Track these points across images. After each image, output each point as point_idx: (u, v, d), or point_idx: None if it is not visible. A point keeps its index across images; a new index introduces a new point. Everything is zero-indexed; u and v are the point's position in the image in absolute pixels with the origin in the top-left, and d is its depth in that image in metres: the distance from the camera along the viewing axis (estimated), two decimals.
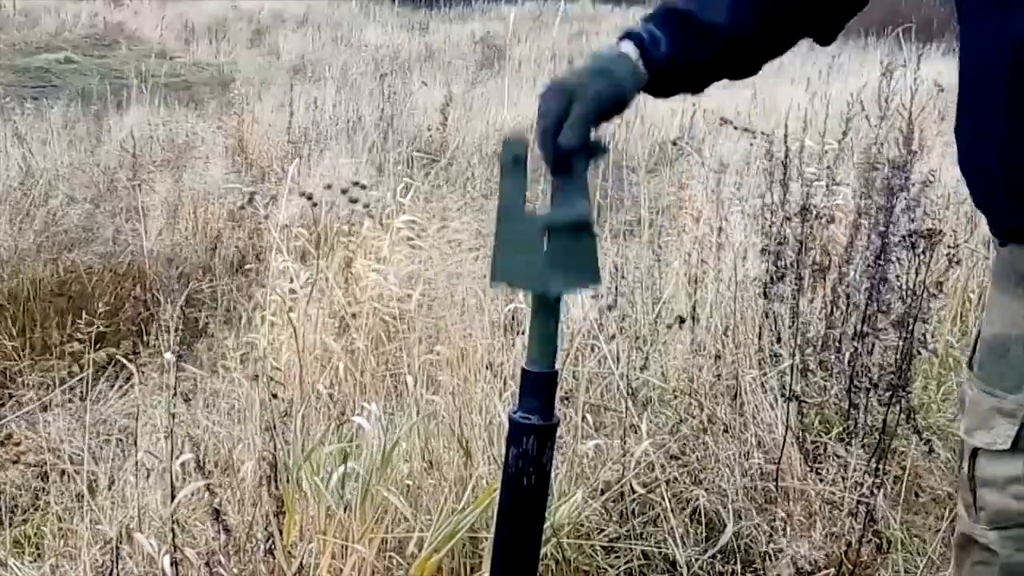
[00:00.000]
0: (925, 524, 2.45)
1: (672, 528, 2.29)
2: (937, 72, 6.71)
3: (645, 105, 7.35)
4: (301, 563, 1.97)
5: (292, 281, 2.90)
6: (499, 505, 1.46)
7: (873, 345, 2.54)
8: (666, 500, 2.34)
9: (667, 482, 2.39)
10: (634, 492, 2.36)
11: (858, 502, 2.24)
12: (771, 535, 2.28)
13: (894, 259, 2.44)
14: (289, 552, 1.96)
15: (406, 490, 2.17)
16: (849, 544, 2.23)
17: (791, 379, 2.49)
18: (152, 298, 3.88)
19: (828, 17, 1.32)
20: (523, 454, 1.41)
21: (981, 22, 1.19)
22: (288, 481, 1.98)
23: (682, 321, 2.84)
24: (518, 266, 1.37)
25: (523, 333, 2.64)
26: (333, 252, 3.21)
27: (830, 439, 2.47)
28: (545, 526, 1.66)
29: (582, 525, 2.27)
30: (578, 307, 2.82)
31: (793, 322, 2.67)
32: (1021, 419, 1.20)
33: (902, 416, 2.42)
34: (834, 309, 2.76)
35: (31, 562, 2.30)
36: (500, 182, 1.37)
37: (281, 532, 1.96)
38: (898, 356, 2.44)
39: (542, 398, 1.43)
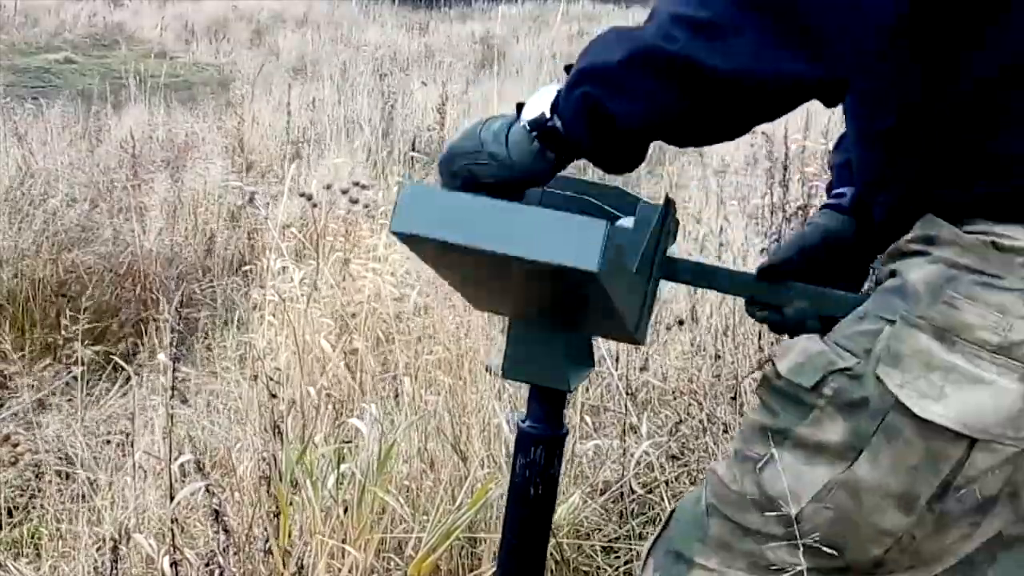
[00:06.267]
0: None
1: None
2: None
3: None
4: (300, 564, 1.96)
5: (291, 280, 2.89)
6: (506, 514, 1.45)
7: None
8: (666, 500, 2.33)
9: (667, 482, 2.38)
10: (633, 492, 2.35)
11: None
12: None
13: None
14: (287, 552, 1.96)
15: (404, 491, 2.17)
16: None
17: None
18: (152, 298, 3.88)
19: None
20: (531, 464, 1.39)
21: None
22: (283, 481, 1.97)
23: (681, 323, 2.84)
24: (535, 361, 1.34)
25: None
26: (330, 252, 3.21)
27: None
28: None
29: (581, 525, 2.26)
30: None
31: None
32: None
33: None
34: None
35: (29, 563, 2.29)
36: None
37: (278, 533, 1.95)
38: None
39: (551, 408, 1.41)
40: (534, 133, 1.18)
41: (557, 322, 1.33)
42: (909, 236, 1.18)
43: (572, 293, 1.20)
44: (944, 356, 1.11)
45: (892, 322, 1.14)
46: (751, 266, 2.97)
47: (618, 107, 1.11)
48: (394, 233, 1.16)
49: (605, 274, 1.10)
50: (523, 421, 1.41)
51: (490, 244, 1.12)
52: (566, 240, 1.09)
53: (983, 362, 1.10)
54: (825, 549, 1.18)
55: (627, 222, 1.28)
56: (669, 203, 1.31)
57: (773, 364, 1.21)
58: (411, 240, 1.17)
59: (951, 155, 1.15)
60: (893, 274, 1.19)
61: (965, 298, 1.11)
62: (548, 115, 1.18)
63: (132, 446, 2.46)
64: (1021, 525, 1.22)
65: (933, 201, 1.17)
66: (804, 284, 1.31)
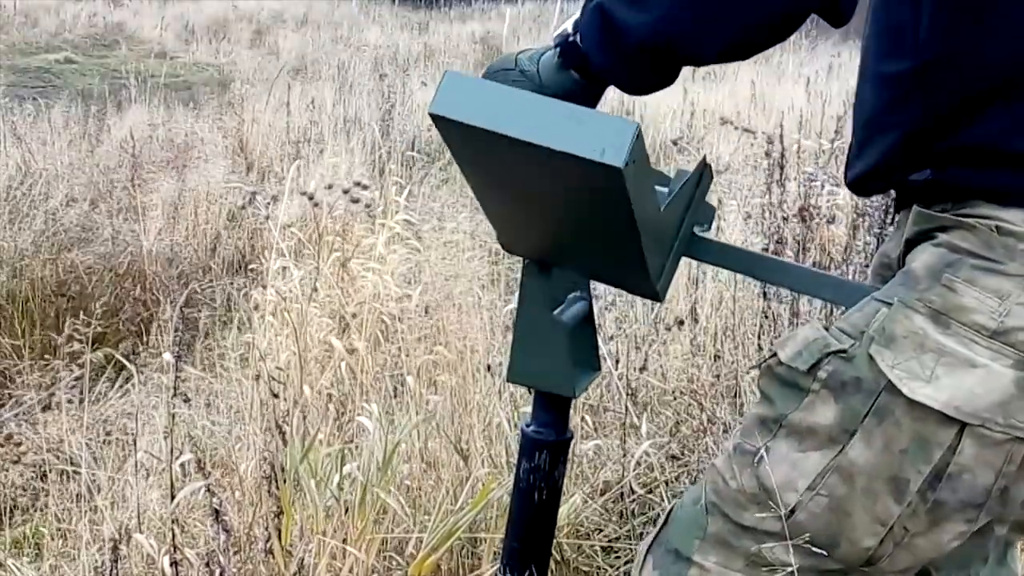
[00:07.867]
0: None
1: None
2: None
3: (645, 105, 7.34)
4: (301, 563, 1.97)
5: (291, 280, 2.90)
6: (509, 518, 1.44)
7: None
8: (666, 501, 2.33)
9: (667, 482, 2.39)
10: (634, 492, 2.36)
11: None
12: None
13: None
14: (288, 552, 1.96)
15: (405, 491, 2.17)
16: None
17: None
18: (152, 298, 3.88)
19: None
20: (535, 469, 1.38)
21: None
22: (286, 482, 1.97)
23: (681, 323, 2.84)
24: (541, 366, 1.34)
25: None
26: (330, 252, 3.21)
27: None
28: None
29: (581, 525, 2.27)
30: None
31: (793, 322, 2.67)
32: None
33: None
34: (834, 309, 2.76)
35: (30, 562, 2.30)
36: (522, 282, 1.34)
37: (280, 533, 1.95)
38: None
39: (556, 412, 1.41)
40: (558, 49, 1.21)
41: (585, 262, 1.30)
42: (912, 232, 1.18)
43: (597, 209, 1.16)
44: (938, 338, 1.10)
45: (889, 304, 1.14)
46: None
47: (628, 17, 1.13)
48: (431, 115, 1.14)
49: (630, 174, 1.07)
50: (527, 425, 1.41)
51: (519, 132, 1.09)
52: (596, 135, 1.07)
53: (977, 346, 1.09)
54: (817, 550, 1.17)
55: (663, 190, 1.28)
56: (706, 165, 1.31)
57: (775, 354, 1.22)
58: (446, 126, 1.16)
59: (959, 133, 1.12)
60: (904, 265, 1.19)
61: (964, 282, 1.10)
62: (571, 32, 1.21)
63: (133, 445, 2.46)
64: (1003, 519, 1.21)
65: (936, 174, 1.14)
66: (823, 272, 1.32)
